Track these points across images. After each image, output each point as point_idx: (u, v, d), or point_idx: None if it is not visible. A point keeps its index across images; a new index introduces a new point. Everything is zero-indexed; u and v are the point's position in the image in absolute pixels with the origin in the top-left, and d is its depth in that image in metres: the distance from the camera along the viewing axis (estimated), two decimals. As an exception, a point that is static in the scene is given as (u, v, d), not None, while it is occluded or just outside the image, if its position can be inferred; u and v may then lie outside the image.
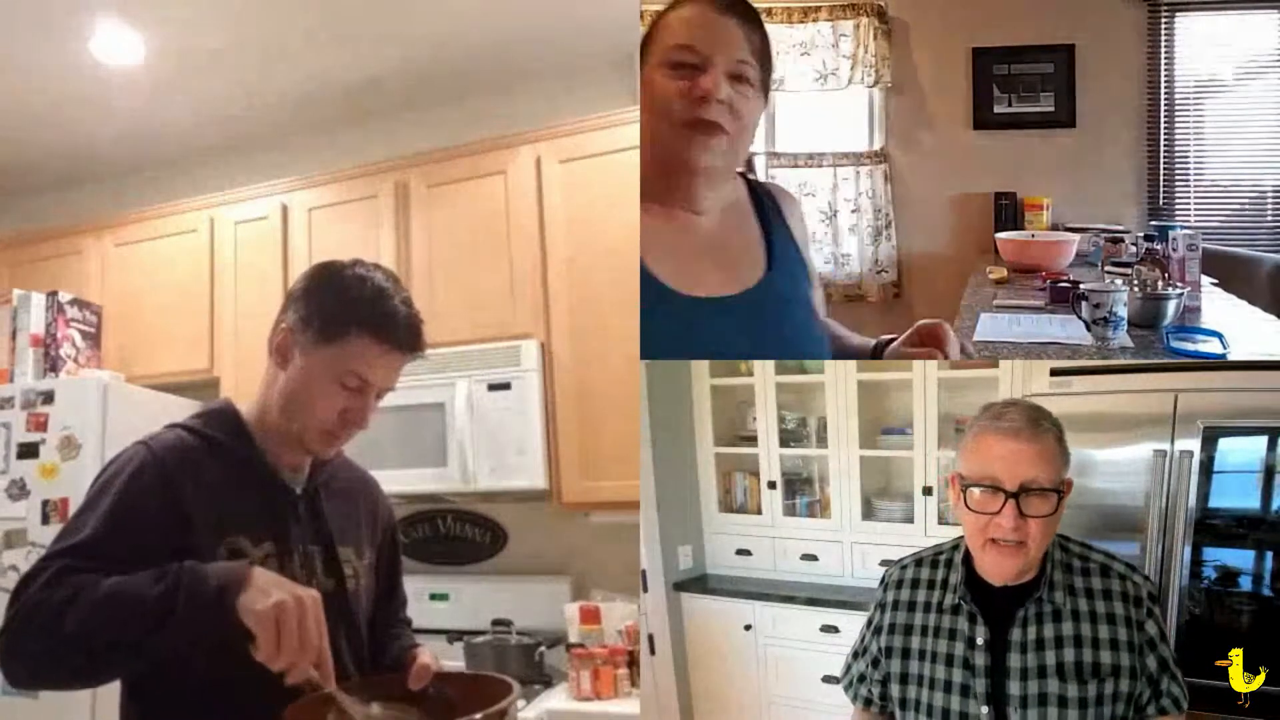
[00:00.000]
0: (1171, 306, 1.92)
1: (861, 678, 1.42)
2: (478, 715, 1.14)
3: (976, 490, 1.23)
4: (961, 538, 1.34)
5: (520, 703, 1.31)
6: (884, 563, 2.19)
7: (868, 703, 1.42)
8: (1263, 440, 1.98)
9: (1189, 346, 1.85)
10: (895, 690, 1.35)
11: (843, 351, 1.44)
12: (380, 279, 1.34)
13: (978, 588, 1.29)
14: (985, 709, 1.25)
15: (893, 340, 1.36)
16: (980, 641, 1.27)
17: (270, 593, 1.07)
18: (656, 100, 1.12)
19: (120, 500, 1.21)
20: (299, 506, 1.37)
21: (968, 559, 1.31)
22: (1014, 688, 1.24)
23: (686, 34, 1.11)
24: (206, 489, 1.26)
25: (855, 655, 1.45)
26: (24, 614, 1.11)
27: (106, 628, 1.08)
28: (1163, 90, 3.31)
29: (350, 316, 1.29)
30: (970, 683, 1.26)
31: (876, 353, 1.41)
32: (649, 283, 1.16)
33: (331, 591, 1.36)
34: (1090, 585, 1.27)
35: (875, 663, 1.39)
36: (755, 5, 1.16)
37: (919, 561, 1.40)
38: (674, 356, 1.18)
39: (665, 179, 1.17)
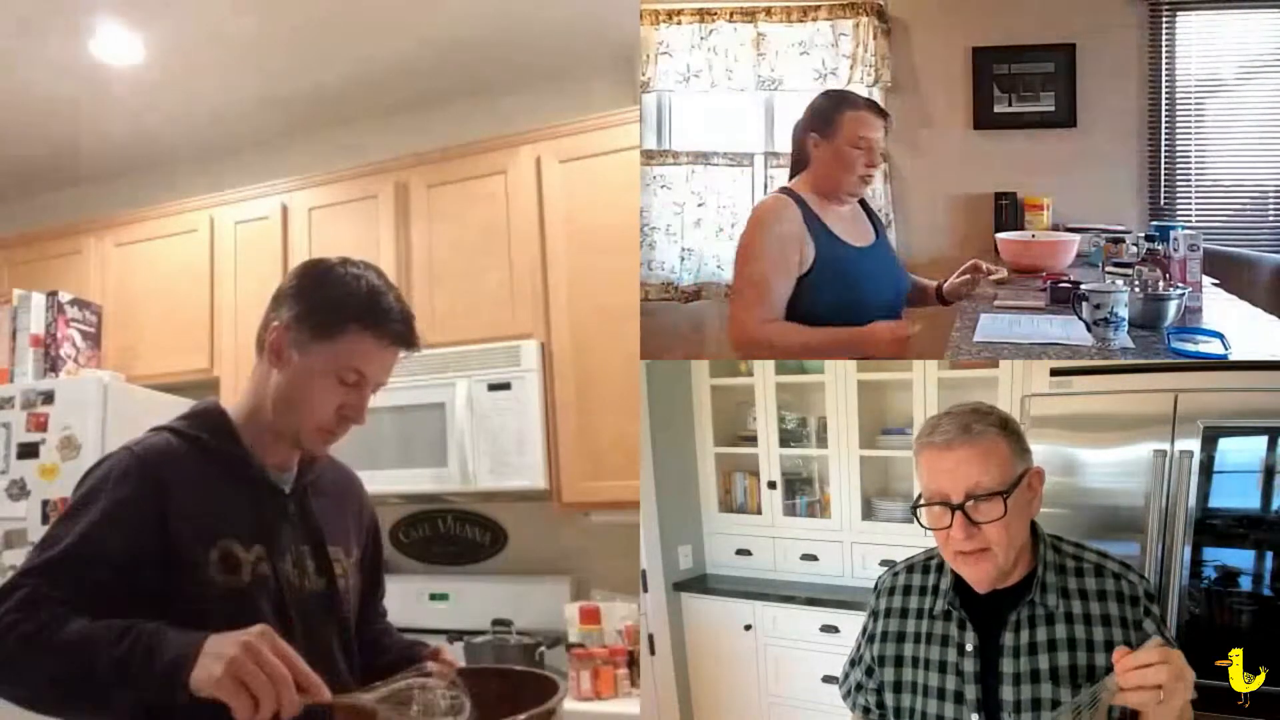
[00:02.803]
0: (1173, 307, 1.92)
1: (859, 686, 1.41)
2: (522, 716, 1.13)
3: (928, 509, 1.23)
4: None
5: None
6: (884, 563, 2.20)
7: (866, 711, 1.40)
8: (1263, 440, 1.98)
9: (1190, 347, 1.85)
10: (889, 699, 1.33)
11: (915, 290, 2.19)
12: (373, 277, 1.36)
13: (969, 592, 1.27)
14: (976, 716, 1.23)
15: (946, 282, 2.18)
16: (970, 647, 1.26)
17: (221, 654, 1.04)
18: (847, 161, 1.93)
19: (104, 512, 1.19)
20: (288, 506, 1.37)
21: None
22: (1007, 693, 1.22)
23: (862, 129, 1.92)
24: (195, 493, 1.25)
25: (852, 663, 1.44)
26: None
27: (67, 677, 1.09)
28: (1164, 90, 3.30)
29: (348, 313, 1.30)
30: (962, 689, 1.25)
31: (939, 292, 2.19)
32: (832, 238, 1.93)
33: (323, 591, 1.37)
34: (1084, 586, 1.25)
35: (870, 671, 1.38)
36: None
37: (910, 568, 1.39)
38: (844, 284, 1.91)
39: (837, 190, 1.96)
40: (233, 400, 1.40)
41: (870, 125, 1.93)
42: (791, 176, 2.01)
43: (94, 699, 1.09)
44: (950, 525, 1.20)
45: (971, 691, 1.24)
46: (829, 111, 1.95)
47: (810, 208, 1.92)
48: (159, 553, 1.19)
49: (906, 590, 1.37)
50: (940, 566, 1.33)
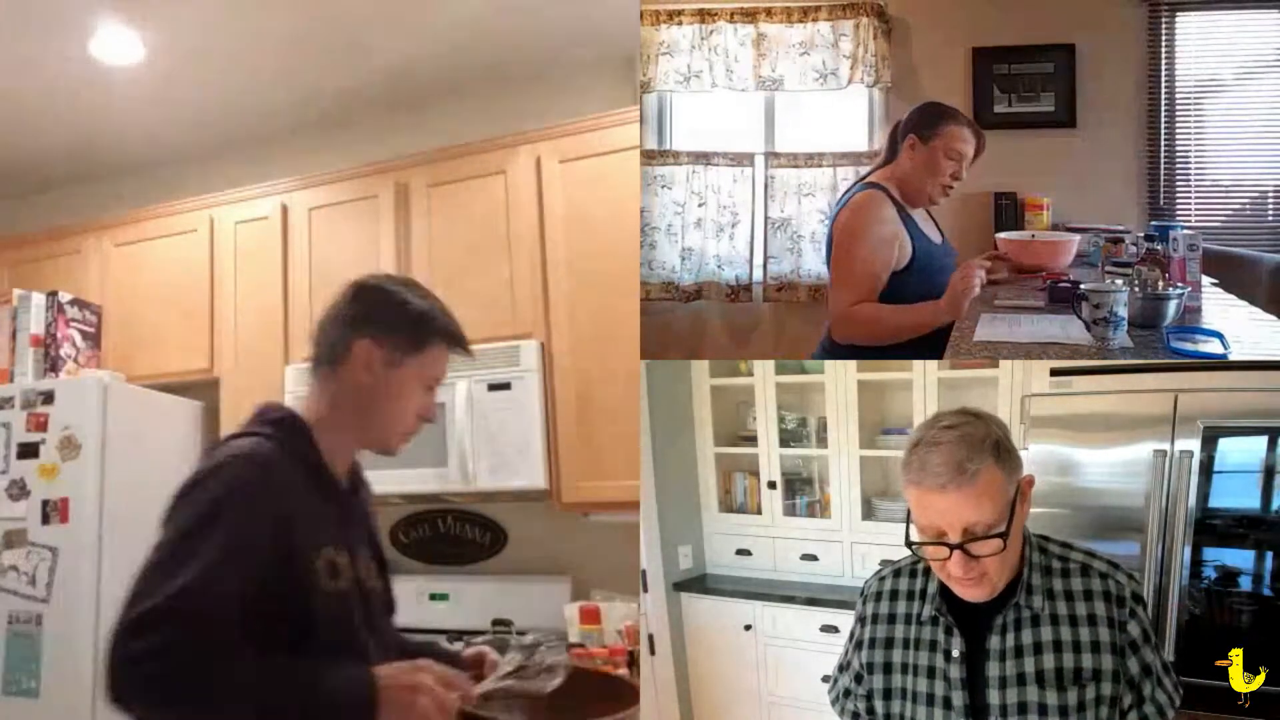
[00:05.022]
0: (1172, 306, 1.92)
1: (847, 693, 1.40)
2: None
3: (923, 546, 1.20)
4: None
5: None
6: (884, 563, 2.20)
7: (855, 717, 1.39)
8: (1263, 440, 1.98)
9: (1189, 346, 1.85)
10: (879, 706, 1.32)
11: None
12: (430, 294, 1.50)
13: (954, 596, 1.26)
14: None
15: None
16: (956, 653, 1.24)
17: (404, 703, 1.16)
18: (938, 168, 2.07)
19: (232, 533, 1.19)
20: (353, 509, 1.46)
21: None
22: (994, 697, 1.21)
23: (961, 144, 2.07)
24: (301, 503, 1.31)
25: (840, 669, 1.43)
26: (138, 673, 1.11)
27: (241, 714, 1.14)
28: (1163, 90, 3.30)
29: (432, 328, 1.46)
30: (950, 694, 1.24)
31: None
32: (923, 235, 2.11)
33: (382, 591, 1.48)
34: (1070, 587, 1.24)
35: (858, 678, 1.37)
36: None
37: (897, 572, 1.37)
38: (934, 280, 2.02)
39: (921, 192, 2.10)
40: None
41: (966, 142, 2.08)
42: (872, 171, 2.15)
43: None
44: (948, 558, 1.18)
45: (959, 698, 1.23)
46: (935, 119, 2.09)
47: (901, 204, 2.07)
48: (279, 565, 1.24)
49: (893, 595, 1.35)
50: (927, 570, 1.32)
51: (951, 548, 1.16)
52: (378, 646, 1.37)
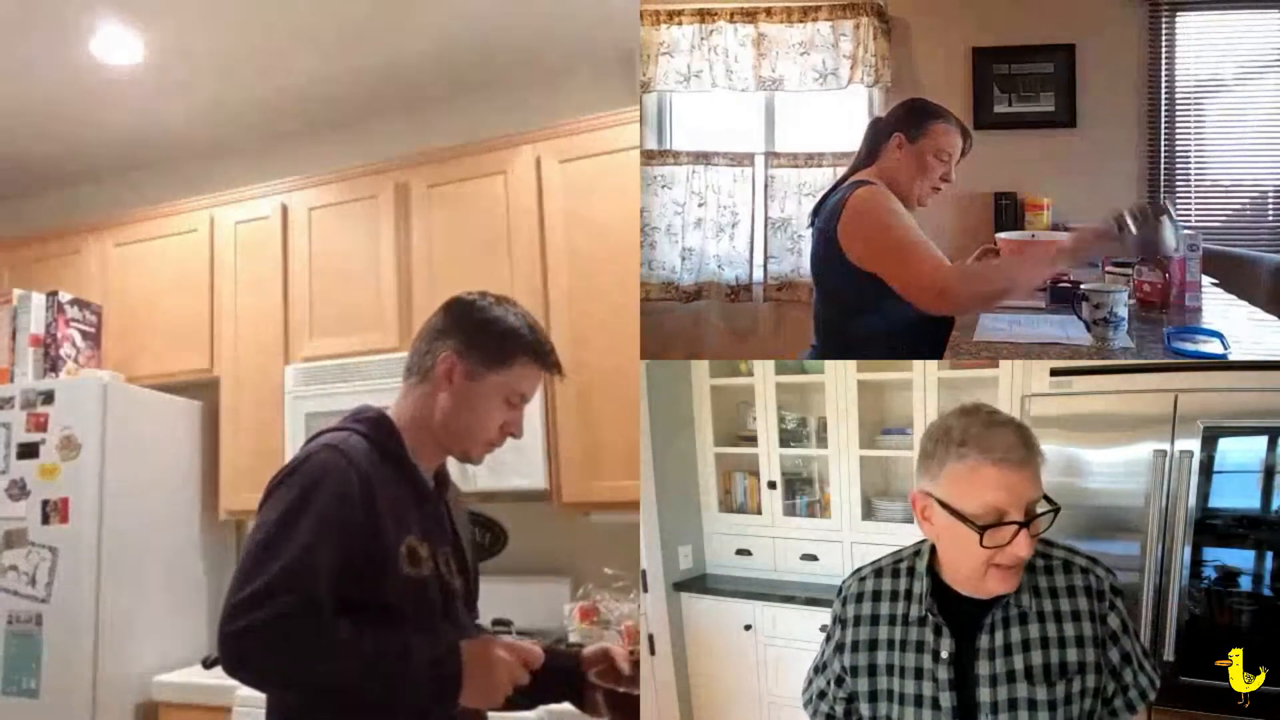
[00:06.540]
0: (1170, 232, 1.90)
1: (821, 694, 1.39)
2: None
3: (987, 529, 1.16)
4: (922, 543, 1.31)
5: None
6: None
7: (829, 718, 1.39)
8: (1263, 440, 1.98)
9: (1189, 346, 1.85)
10: (865, 709, 1.31)
11: None
12: (524, 313, 1.55)
13: (942, 595, 1.26)
14: None
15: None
16: (945, 655, 1.24)
17: (488, 684, 1.29)
18: (927, 168, 1.96)
19: (326, 512, 1.28)
20: (438, 507, 1.50)
21: (932, 567, 1.28)
22: (984, 695, 1.21)
23: (948, 145, 1.97)
24: (386, 492, 1.37)
25: (815, 670, 1.41)
26: (247, 646, 1.21)
27: (348, 684, 1.25)
28: (1163, 90, 3.30)
29: (517, 345, 1.50)
30: (938, 695, 1.24)
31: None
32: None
33: (462, 589, 1.55)
34: (1054, 583, 1.25)
35: (839, 681, 1.35)
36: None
37: (879, 572, 1.36)
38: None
39: (908, 193, 1.97)
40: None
41: (954, 142, 1.98)
42: (852, 171, 2.00)
43: (368, 709, 1.28)
44: (1010, 541, 1.16)
45: (947, 699, 1.23)
46: (922, 117, 1.99)
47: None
48: (365, 547, 1.32)
49: (876, 596, 1.34)
50: (912, 570, 1.31)
51: (1020, 525, 1.16)
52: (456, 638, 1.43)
